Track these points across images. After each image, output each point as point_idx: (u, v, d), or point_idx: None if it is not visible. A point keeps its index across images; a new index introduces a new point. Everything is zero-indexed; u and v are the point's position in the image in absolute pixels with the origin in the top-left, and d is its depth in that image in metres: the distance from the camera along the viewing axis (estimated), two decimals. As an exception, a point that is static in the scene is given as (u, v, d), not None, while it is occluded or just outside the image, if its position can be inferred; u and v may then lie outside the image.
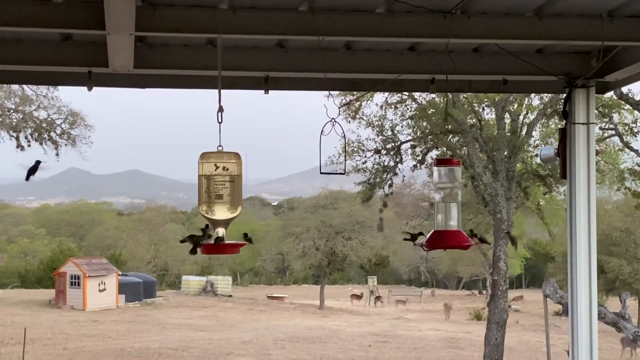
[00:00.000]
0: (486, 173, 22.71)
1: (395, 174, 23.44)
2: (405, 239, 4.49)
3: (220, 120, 3.98)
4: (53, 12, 4.15)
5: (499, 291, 22.88)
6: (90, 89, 5.00)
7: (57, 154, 25.46)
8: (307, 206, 57.82)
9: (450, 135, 23.54)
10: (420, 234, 4.43)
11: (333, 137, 4.59)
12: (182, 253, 59.80)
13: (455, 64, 4.54)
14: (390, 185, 23.63)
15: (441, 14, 4.32)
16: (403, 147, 23.51)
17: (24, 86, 24.68)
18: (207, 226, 3.93)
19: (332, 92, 4.96)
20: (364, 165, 23.51)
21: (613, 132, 23.64)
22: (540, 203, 28.26)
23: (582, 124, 5.17)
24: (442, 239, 4.41)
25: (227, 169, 3.92)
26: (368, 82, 5.71)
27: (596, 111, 19.19)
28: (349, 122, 23.59)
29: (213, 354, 27.82)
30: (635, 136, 22.88)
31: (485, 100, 22.79)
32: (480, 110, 23.70)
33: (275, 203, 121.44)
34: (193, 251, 3.92)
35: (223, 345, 29.79)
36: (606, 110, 22.53)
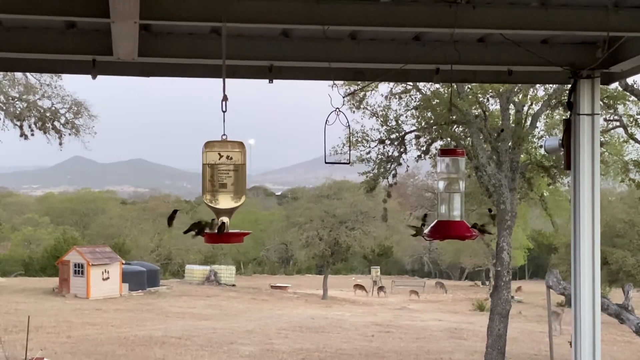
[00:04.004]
0: (490, 164, 22.69)
1: (399, 164, 23.43)
2: (412, 235, 4.50)
3: (224, 109, 3.97)
4: (58, 0, 4.14)
5: (502, 282, 22.88)
6: (94, 77, 5.00)
7: (60, 143, 25.50)
8: (311, 196, 57.78)
9: (455, 126, 23.52)
10: (423, 224, 4.43)
11: (337, 127, 4.59)
12: (186, 242, 59.86)
13: (460, 54, 4.53)
14: (394, 176, 23.61)
15: (446, 4, 4.31)
16: (407, 137, 23.50)
17: (28, 75, 24.70)
18: (212, 220, 3.97)
19: (336, 82, 4.95)
20: (368, 156, 23.51)
21: (618, 123, 23.62)
22: (544, 194, 28.25)
23: (587, 115, 5.16)
24: (445, 229, 4.41)
25: (231, 158, 3.91)
26: (372, 72, 5.69)
27: (601, 102, 19.16)
28: (354, 112, 23.57)
29: (216, 343, 27.88)
30: (640, 127, 22.85)
31: (490, 90, 22.75)
32: (485, 100, 23.67)
33: (279, 193, 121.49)
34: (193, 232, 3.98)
35: (226, 334, 29.86)
36: (611, 101, 22.50)
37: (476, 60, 5.21)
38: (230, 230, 3.94)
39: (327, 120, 4.46)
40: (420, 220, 4.53)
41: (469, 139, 23.24)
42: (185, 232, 3.99)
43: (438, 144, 23.14)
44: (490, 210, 5.64)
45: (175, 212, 4.38)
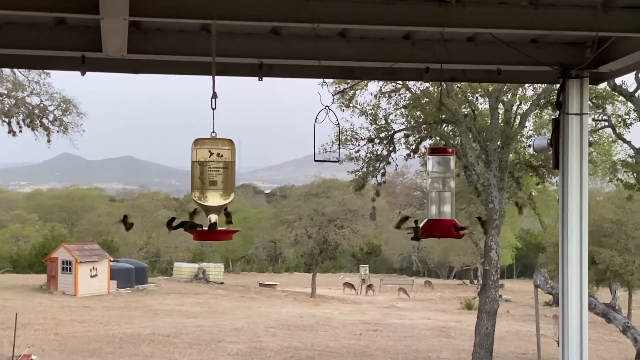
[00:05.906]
0: (479, 163, 22.75)
1: (388, 163, 23.46)
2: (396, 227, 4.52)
3: (214, 107, 3.97)
4: (47, -4, 4.13)
5: (490, 281, 22.96)
6: (83, 73, 4.98)
7: (48, 141, 25.44)
8: (300, 194, 57.73)
9: (444, 125, 23.56)
10: (407, 217, 4.45)
11: (327, 125, 4.59)
12: (175, 240, 59.73)
13: (449, 53, 4.54)
14: (383, 174, 23.65)
15: (436, 3, 4.31)
16: (396, 136, 23.54)
17: (16, 72, 24.62)
18: (194, 210, 3.95)
19: (326, 80, 4.95)
20: (357, 154, 23.54)
21: (606, 123, 23.73)
22: (533, 193, 28.34)
23: (576, 114, 5.17)
24: (435, 228, 4.42)
25: (221, 156, 3.91)
26: (362, 70, 5.69)
27: (590, 102, 19.22)
28: (343, 110, 23.61)
29: (204, 340, 27.85)
30: (628, 128, 22.95)
31: (479, 90, 22.81)
32: (474, 100, 23.72)
33: (268, 191, 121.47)
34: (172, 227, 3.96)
35: (214, 332, 29.83)
36: (600, 101, 22.60)
37: (466, 60, 5.22)
38: (219, 228, 3.94)
39: (316, 119, 4.47)
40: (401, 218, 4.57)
41: (458, 138, 23.29)
42: (175, 227, 3.99)
43: (427, 142, 23.19)
44: (479, 218, 5.66)
45: (172, 219, 4.06)
